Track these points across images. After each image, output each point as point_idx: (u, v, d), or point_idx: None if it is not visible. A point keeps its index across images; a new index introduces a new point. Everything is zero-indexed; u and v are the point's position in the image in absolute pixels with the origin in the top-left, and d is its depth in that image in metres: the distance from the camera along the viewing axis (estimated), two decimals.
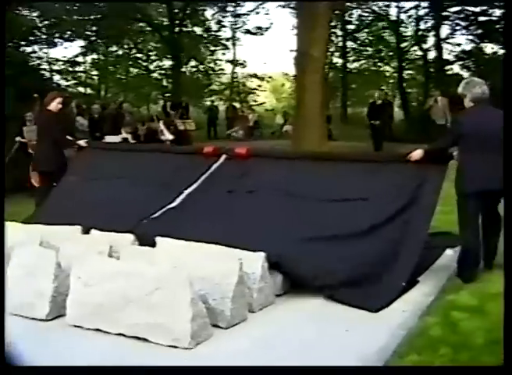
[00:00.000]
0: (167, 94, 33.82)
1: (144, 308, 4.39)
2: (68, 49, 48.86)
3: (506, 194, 3.93)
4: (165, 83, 36.07)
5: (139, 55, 35.93)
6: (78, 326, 4.69)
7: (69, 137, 8.69)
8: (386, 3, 31.62)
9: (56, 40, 30.62)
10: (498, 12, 27.76)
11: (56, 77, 31.16)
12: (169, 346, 4.26)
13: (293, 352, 4.19)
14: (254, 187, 6.60)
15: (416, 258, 5.54)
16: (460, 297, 5.25)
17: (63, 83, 31.79)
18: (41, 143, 8.60)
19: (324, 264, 5.40)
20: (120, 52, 35.51)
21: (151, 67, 36.36)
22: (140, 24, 32.88)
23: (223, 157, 7.15)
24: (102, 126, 14.34)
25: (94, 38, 32.82)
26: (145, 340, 4.37)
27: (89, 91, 34.89)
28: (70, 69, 33.37)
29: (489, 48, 29.81)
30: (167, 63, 35.39)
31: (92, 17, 30.05)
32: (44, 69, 28.63)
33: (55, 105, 8.36)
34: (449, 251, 6.63)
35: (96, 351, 4.30)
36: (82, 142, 8.42)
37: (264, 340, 4.44)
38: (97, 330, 4.59)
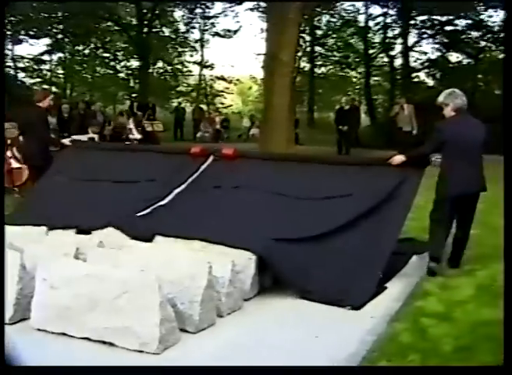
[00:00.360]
0: (134, 95, 33.61)
1: (111, 312, 4.30)
2: (33, 47, 48.14)
3: (506, 197, 3.98)
4: (132, 83, 35.84)
5: (106, 55, 35.62)
6: (42, 330, 4.58)
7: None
8: (355, 9, 31.92)
9: (21, 37, 30.22)
10: (464, 22, 28.24)
11: (21, 75, 30.77)
12: (136, 350, 4.18)
13: (262, 358, 4.14)
14: (239, 184, 6.76)
15: (389, 253, 5.75)
16: (428, 303, 5.27)
17: (28, 80, 31.41)
18: (30, 138, 8.70)
19: (301, 263, 5.58)
20: (87, 51, 35.15)
21: (118, 67, 36.10)
22: (108, 23, 32.65)
23: (211, 157, 7.24)
24: (70, 126, 14.14)
25: (60, 36, 32.46)
26: (111, 344, 4.29)
27: (54, 89, 34.44)
28: (35, 67, 32.98)
29: (454, 57, 30.30)
30: (134, 64, 35.20)
31: (59, 15, 29.70)
32: (9, 67, 28.21)
33: (47, 103, 8.49)
34: (416, 258, 6.67)
35: (60, 355, 4.19)
36: (66, 141, 8.45)
37: (233, 344, 4.39)
38: (62, 333, 4.49)
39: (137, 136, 12.37)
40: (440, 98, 6.39)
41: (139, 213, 6.52)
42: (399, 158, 6.33)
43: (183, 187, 6.92)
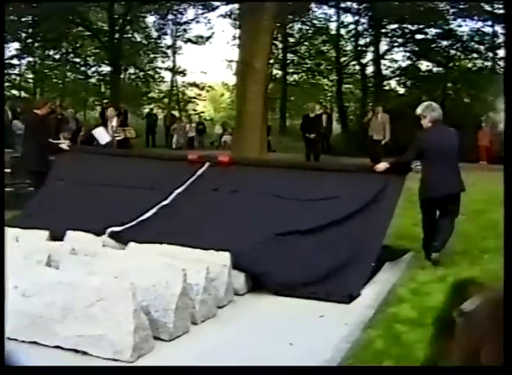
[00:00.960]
0: (105, 101, 33.38)
1: (85, 320, 4.25)
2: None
3: (506, 197, 4.05)
4: (103, 89, 35.61)
5: (77, 60, 35.38)
6: (13, 339, 4.50)
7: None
8: (327, 17, 32.12)
9: None
10: (434, 31, 28.57)
11: None
12: (110, 359, 4.13)
13: (236, 365, 4.12)
14: (236, 188, 7.17)
15: (378, 248, 6.37)
16: (401, 310, 5.31)
17: None
18: (28, 144, 9.01)
19: (293, 259, 6.01)
20: (57, 56, 34.82)
21: (89, 72, 35.90)
22: (80, 28, 32.36)
23: (207, 164, 7.52)
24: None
25: (30, 41, 32.11)
26: (85, 353, 4.23)
27: (24, 94, 34.08)
28: (4, 71, 32.56)
29: (425, 65, 30.64)
30: (106, 69, 34.98)
31: (29, 19, 29.40)
32: None
33: (45, 110, 8.99)
34: (389, 265, 6.72)
35: (32, 365, 4.12)
36: (64, 146, 8.71)
37: (206, 352, 4.36)
38: (34, 342, 4.42)
39: (106, 139, 12.27)
40: (418, 110, 7.05)
41: (138, 218, 6.71)
42: (383, 165, 6.91)
43: (181, 189, 7.14)
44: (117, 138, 12.41)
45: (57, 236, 6.54)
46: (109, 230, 6.53)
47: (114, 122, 12.67)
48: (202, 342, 4.57)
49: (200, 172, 7.38)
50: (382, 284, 6.08)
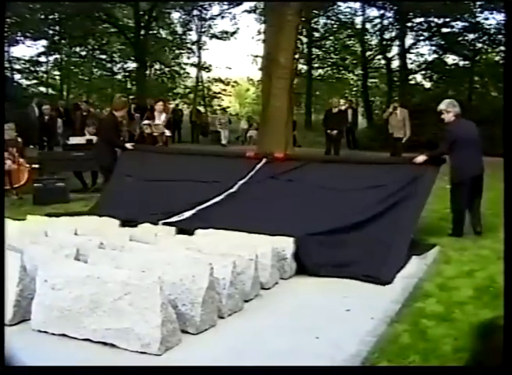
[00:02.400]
0: (131, 97, 33.57)
1: (113, 313, 4.30)
2: (30, 48, 48.14)
3: (505, 197, 4.03)
4: (129, 85, 35.82)
5: (103, 57, 35.62)
6: (43, 332, 4.58)
7: None
8: (352, 12, 31.96)
9: (18, 38, 30.15)
10: (460, 25, 28.28)
11: (17, 76, 30.71)
12: (138, 352, 4.18)
13: (261, 359, 4.14)
14: (291, 178, 7.96)
15: (411, 234, 7.03)
16: (427, 304, 5.29)
17: (24, 82, 31.35)
18: (104, 142, 9.76)
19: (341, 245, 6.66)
20: (84, 53, 35.10)
21: (115, 69, 36.12)
22: (106, 25, 32.57)
23: (264, 160, 8.29)
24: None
25: (57, 38, 32.41)
26: (113, 345, 4.29)
27: (51, 91, 34.42)
28: (32, 68, 32.91)
29: (451, 59, 30.37)
30: (131, 65, 35.18)
31: (56, 16, 29.66)
32: (5, 68, 28.17)
33: (122, 112, 9.98)
34: (415, 259, 6.70)
35: (61, 357, 4.19)
36: (129, 145, 9.55)
37: (233, 346, 4.39)
38: (63, 335, 4.49)
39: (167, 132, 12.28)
40: (442, 106, 7.94)
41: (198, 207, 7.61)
42: (421, 158, 7.60)
43: (244, 180, 7.96)
44: (167, 134, 12.41)
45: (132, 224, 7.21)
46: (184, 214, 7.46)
47: (162, 117, 12.56)
48: (229, 336, 4.59)
49: (258, 166, 8.16)
50: (408, 279, 6.06)
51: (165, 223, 7.21)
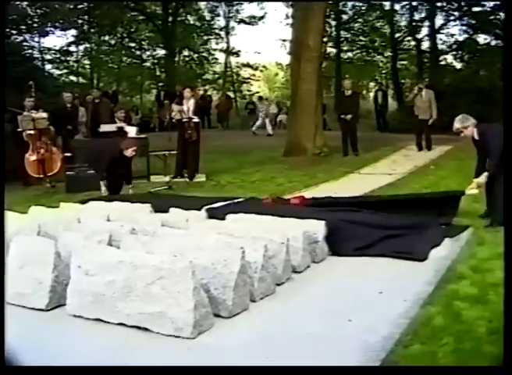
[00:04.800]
0: (160, 84, 33.69)
1: (146, 298, 4.35)
2: (60, 38, 48.48)
3: (505, 197, 3.98)
4: (158, 72, 35.93)
5: (132, 45, 35.72)
6: (78, 316, 4.65)
7: None
8: None
9: (48, 29, 30.37)
10: (491, 3, 27.77)
11: (48, 66, 30.97)
12: (171, 336, 4.23)
13: (294, 343, 4.16)
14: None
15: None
16: (461, 286, 5.24)
17: (55, 72, 31.61)
18: None
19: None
20: (113, 41, 35.25)
21: (144, 56, 36.23)
22: (133, 13, 32.66)
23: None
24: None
25: (86, 27, 32.59)
26: (146, 329, 4.34)
27: (81, 80, 34.68)
28: (62, 58, 33.15)
29: (482, 38, 29.84)
30: (160, 52, 35.25)
31: (85, 6, 29.81)
32: (36, 58, 28.42)
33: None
34: (448, 241, 6.65)
35: (97, 341, 4.26)
36: None
37: (265, 330, 4.40)
38: (98, 319, 4.56)
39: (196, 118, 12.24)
40: (458, 125, 7.47)
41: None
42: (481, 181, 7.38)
43: None
44: (196, 121, 12.39)
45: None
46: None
47: (191, 103, 12.55)
48: (261, 319, 4.61)
49: None
50: (441, 261, 6.02)
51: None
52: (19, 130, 10.99)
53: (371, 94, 32.30)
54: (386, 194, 8.67)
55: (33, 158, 11.02)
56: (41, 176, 11.09)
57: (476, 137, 7.46)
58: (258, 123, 23.96)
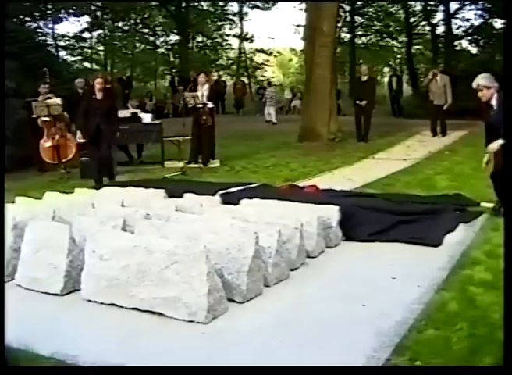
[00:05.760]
0: (174, 70, 33.65)
1: (160, 283, 4.36)
2: (73, 25, 48.48)
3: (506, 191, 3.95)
4: (172, 58, 35.88)
5: (145, 31, 35.68)
6: (93, 301, 4.68)
7: None
8: None
9: (61, 15, 30.40)
10: None
11: (62, 53, 31.03)
12: (185, 320, 4.24)
13: (308, 328, 4.16)
14: None
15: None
16: (475, 272, 5.21)
17: (69, 58, 31.67)
18: None
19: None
20: (126, 28, 35.23)
21: (158, 42, 36.17)
22: None
23: None
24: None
25: (99, 14, 32.59)
26: (161, 314, 4.36)
27: (95, 66, 34.72)
28: (76, 44, 33.20)
29: (499, 23, 29.48)
30: (174, 38, 35.18)
31: None
32: (50, 45, 28.47)
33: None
34: (463, 226, 6.61)
35: (111, 326, 4.28)
36: None
37: (279, 315, 4.41)
38: (112, 304, 4.58)
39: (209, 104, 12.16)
40: (482, 81, 6.77)
41: None
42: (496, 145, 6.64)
43: None
44: (210, 106, 12.35)
45: None
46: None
47: (205, 89, 12.52)
48: (275, 304, 4.61)
49: None
50: (455, 246, 5.99)
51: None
52: (33, 116, 11.03)
53: (386, 80, 32.12)
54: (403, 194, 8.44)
55: (48, 144, 11.08)
56: (56, 162, 11.14)
57: (494, 102, 6.86)
58: (265, 111, 23.27)
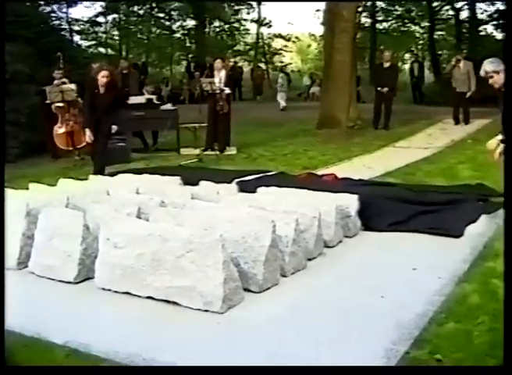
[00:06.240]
0: (190, 55, 33.47)
1: (175, 271, 4.29)
2: (88, 9, 48.42)
3: (505, 197, 3.84)
4: (188, 43, 35.66)
5: (161, 15, 35.36)
6: (107, 290, 4.61)
7: None
8: None
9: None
10: None
11: (76, 38, 30.93)
12: (201, 310, 4.17)
13: (325, 319, 4.09)
14: None
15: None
16: (498, 264, 5.08)
17: (84, 43, 31.56)
18: None
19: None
20: (142, 12, 34.91)
21: (174, 27, 35.88)
22: None
23: None
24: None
25: None
26: (176, 303, 4.29)
27: (110, 51, 34.56)
28: (90, 29, 33.05)
29: None
30: (190, 23, 34.94)
31: None
32: (64, 29, 28.40)
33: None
34: (485, 218, 6.48)
35: (125, 314, 4.22)
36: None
37: (296, 305, 4.33)
38: (126, 293, 4.52)
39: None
40: (490, 67, 6.19)
41: None
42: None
43: None
44: (227, 92, 12.22)
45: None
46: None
47: (222, 74, 12.42)
48: (292, 294, 4.53)
49: None
50: (478, 238, 5.87)
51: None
52: (47, 102, 10.97)
53: (407, 66, 31.80)
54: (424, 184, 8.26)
55: (62, 130, 11.01)
56: (70, 148, 11.08)
57: None
58: (278, 97, 22.80)
